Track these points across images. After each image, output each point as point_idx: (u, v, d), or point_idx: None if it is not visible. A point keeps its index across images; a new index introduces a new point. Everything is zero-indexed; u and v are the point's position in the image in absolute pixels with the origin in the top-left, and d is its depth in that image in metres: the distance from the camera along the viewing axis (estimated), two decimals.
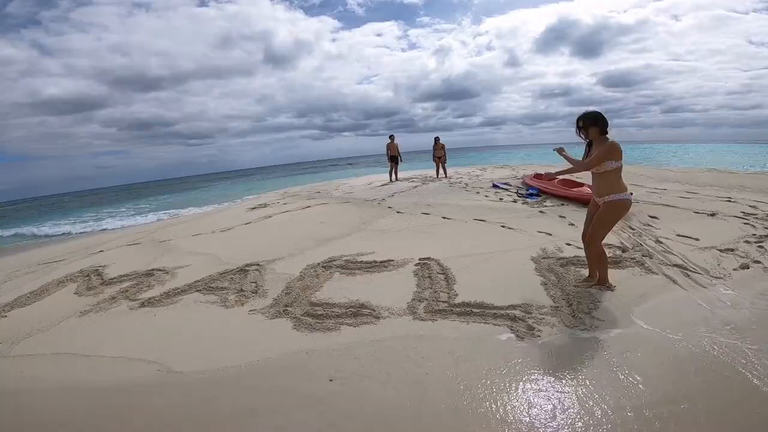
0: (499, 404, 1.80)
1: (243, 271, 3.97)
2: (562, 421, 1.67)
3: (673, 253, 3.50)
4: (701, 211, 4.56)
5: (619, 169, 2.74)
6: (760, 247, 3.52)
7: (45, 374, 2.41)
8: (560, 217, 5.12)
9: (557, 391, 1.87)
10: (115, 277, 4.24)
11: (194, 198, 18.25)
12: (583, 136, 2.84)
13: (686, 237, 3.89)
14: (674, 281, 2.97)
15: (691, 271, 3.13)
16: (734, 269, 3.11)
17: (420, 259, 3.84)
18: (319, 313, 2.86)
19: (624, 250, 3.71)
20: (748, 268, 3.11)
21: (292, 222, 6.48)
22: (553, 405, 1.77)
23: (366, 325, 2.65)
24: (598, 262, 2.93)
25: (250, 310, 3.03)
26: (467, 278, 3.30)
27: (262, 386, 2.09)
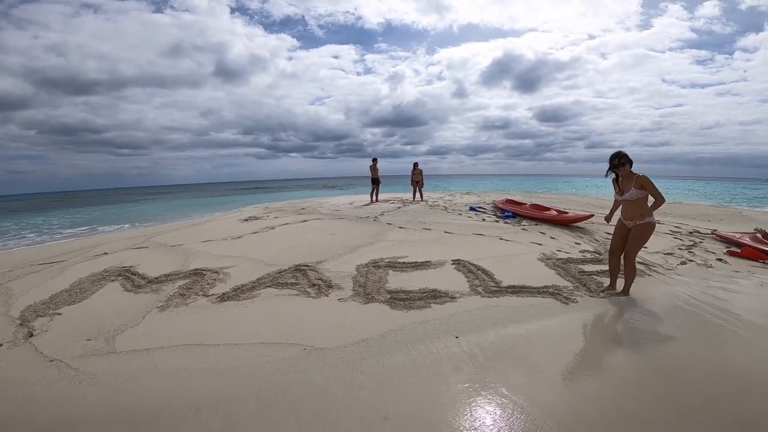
0: (584, 336, 2.62)
1: (299, 270, 4.33)
2: (632, 339, 2.55)
3: None
4: None
5: (647, 197, 3.27)
6: (690, 251, 5.04)
7: (186, 365, 2.37)
8: (541, 233, 6.35)
9: (616, 328, 2.76)
10: (159, 276, 4.26)
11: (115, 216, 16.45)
12: (615, 172, 3.34)
13: None
14: (644, 272, 4.19)
15: (651, 266, 4.41)
16: (677, 265, 4.47)
17: (452, 260, 4.63)
18: (403, 297, 3.45)
19: (600, 254, 4.95)
20: (686, 264, 4.50)
21: (302, 233, 6.81)
22: (618, 334, 2.65)
23: (449, 303, 3.33)
24: (629, 275, 3.42)
25: (339, 299, 3.48)
26: (499, 271, 4.16)
27: (409, 350, 2.51)
